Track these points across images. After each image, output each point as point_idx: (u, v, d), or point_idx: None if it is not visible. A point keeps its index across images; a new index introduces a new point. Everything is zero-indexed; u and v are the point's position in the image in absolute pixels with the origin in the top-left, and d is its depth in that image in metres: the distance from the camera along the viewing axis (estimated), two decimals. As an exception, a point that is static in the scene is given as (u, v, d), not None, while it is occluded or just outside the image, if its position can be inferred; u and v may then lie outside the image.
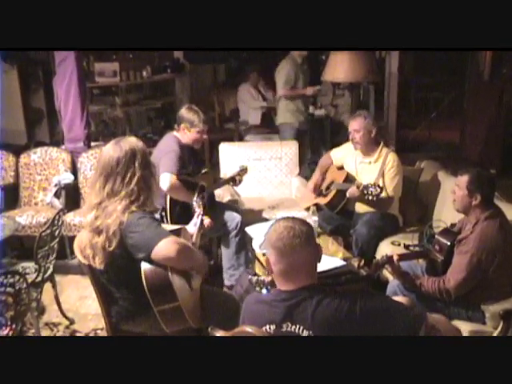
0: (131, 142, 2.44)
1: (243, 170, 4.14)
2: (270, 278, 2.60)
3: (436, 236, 3.04)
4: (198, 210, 2.84)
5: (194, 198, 2.97)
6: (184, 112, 3.85)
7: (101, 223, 2.33)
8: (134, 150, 2.38)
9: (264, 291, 2.62)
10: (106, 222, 2.32)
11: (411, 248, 3.29)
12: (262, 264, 3.35)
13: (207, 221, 3.02)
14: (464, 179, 2.88)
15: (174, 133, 3.90)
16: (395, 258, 2.93)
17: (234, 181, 4.12)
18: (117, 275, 2.43)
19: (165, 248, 2.25)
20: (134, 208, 2.32)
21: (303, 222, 1.94)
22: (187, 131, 3.82)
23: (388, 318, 1.87)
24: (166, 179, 3.56)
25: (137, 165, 2.36)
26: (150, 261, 2.29)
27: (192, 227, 2.79)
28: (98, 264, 2.38)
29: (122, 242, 2.31)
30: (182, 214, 3.60)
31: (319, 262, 1.95)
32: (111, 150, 2.39)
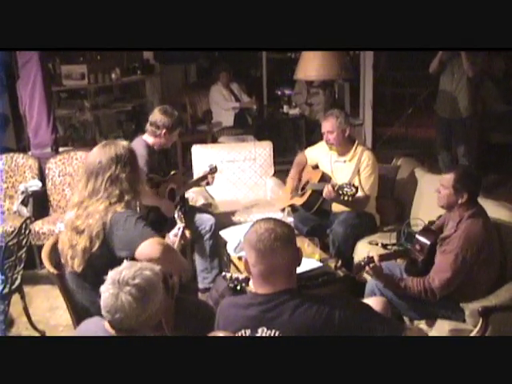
0: (117, 145, 2.50)
1: (213, 169, 4.08)
2: (244, 275, 2.61)
3: (416, 235, 3.00)
4: (180, 224, 2.79)
5: (175, 212, 2.94)
6: (154, 113, 3.77)
7: (81, 223, 2.35)
8: (118, 153, 2.44)
9: (238, 288, 2.63)
10: (88, 222, 2.34)
11: (389, 247, 3.25)
12: (237, 268, 3.29)
13: (188, 235, 2.97)
14: (450, 177, 2.82)
15: (144, 136, 3.81)
16: (376, 258, 2.86)
17: (205, 180, 4.07)
18: (95, 276, 2.36)
19: (149, 248, 2.25)
20: (117, 208, 2.35)
21: (284, 224, 1.92)
22: (153, 132, 3.73)
23: (366, 329, 1.84)
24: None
25: (119, 167, 2.41)
26: (132, 260, 2.25)
27: (172, 237, 2.76)
28: (77, 266, 2.36)
29: (105, 241, 2.32)
30: (156, 220, 3.51)
31: (299, 265, 1.93)
32: (96, 152, 2.47)
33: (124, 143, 2.56)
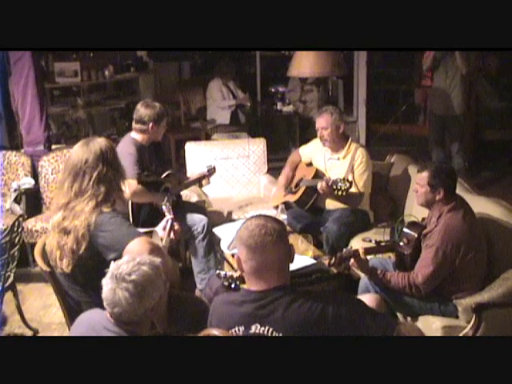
0: (100, 142, 2.45)
1: (211, 170, 4.06)
2: (238, 273, 2.59)
3: (403, 229, 3.01)
4: (168, 216, 2.77)
5: (163, 203, 2.91)
6: (137, 109, 3.72)
7: (68, 224, 2.33)
8: (103, 151, 2.40)
9: (232, 286, 2.62)
10: (74, 223, 2.31)
11: (382, 244, 3.24)
12: (231, 265, 3.28)
13: (177, 227, 2.94)
14: (424, 175, 2.86)
15: (131, 133, 3.78)
16: (361, 251, 2.89)
17: (200, 182, 4.05)
18: (84, 277, 2.39)
19: (136, 247, 2.24)
20: (103, 208, 2.34)
21: (276, 220, 1.92)
22: (140, 129, 3.70)
23: (359, 325, 1.84)
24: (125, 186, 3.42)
25: (105, 165, 2.38)
26: None
27: (161, 231, 2.74)
28: (66, 267, 2.35)
29: (92, 243, 2.30)
30: (149, 217, 3.49)
31: (291, 262, 1.93)
32: (80, 150, 2.42)
33: (104, 139, 2.51)
